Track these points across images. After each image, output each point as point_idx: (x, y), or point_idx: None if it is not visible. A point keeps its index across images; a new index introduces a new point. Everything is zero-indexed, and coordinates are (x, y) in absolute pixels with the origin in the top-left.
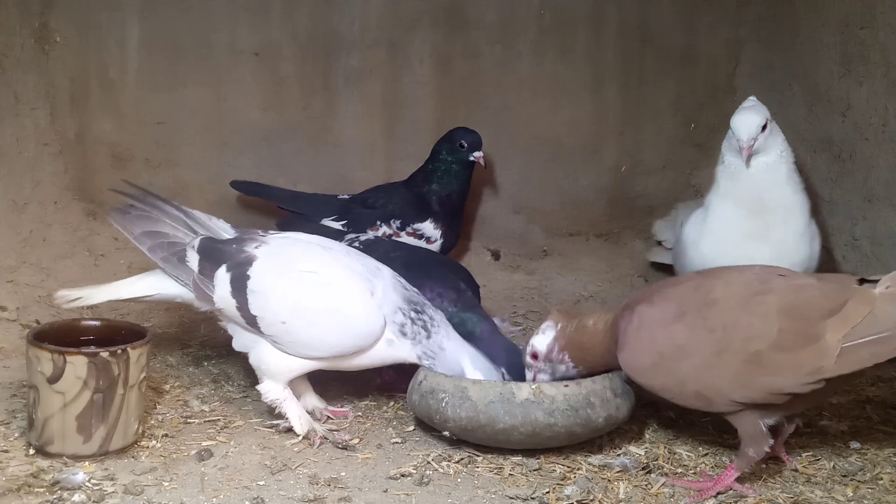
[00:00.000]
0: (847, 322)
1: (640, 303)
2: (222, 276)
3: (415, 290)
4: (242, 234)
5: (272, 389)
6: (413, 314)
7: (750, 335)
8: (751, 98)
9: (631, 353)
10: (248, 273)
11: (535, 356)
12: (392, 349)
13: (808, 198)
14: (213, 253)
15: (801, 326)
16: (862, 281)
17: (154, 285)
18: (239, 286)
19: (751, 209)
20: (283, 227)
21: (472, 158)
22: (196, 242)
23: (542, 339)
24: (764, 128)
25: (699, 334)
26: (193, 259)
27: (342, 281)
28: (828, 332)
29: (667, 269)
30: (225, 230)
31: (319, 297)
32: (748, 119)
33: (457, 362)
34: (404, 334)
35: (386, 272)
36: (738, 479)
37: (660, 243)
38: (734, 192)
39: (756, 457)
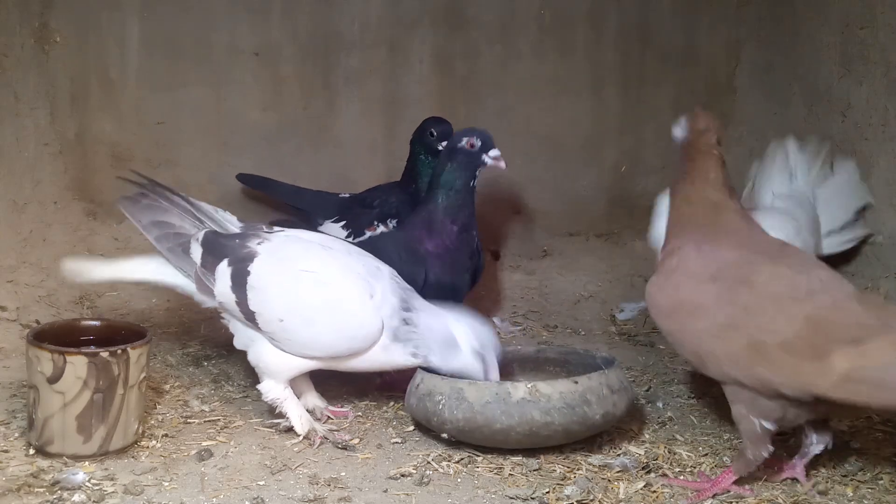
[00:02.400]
0: (862, 358)
1: (690, 241)
2: (223, 270)
3: (407, 284)
4: (247, 229)
5: (272, 388)
6: (405, 313)
7: (765, 326)
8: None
9: (656, 290)
10: (249, 269)
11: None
12: (387, 354)
13: None
14: (216, 247)
15: (816, 339)
16: None
17: (157, 271)
18: (239, 281)
19: None
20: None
21: (440, 148)
22: (200, 235)
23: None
24: None
25: (720, 305)
26: (197, 251)
27: (341, 281)
28: (838, 357)
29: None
30: (232, 223)
31: (317, 296)
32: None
33: (446, 330)
34: (397, 338)
35: (385, 272)
36: (737, 481)
37: None
38: None
39: (754, 460)
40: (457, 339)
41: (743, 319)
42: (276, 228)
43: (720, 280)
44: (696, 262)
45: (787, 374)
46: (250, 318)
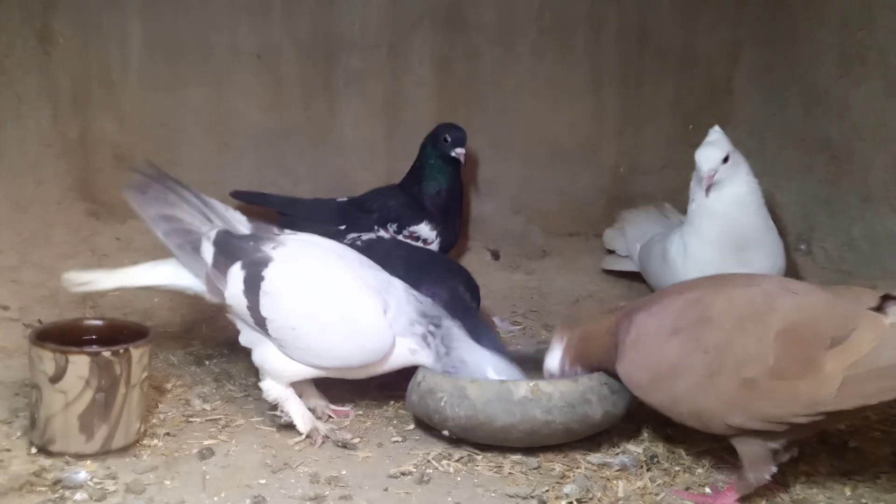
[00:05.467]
0: (851, 353)
1: (639, 311)
2: (236, 273)
3: (429, 300)
4: (258, 230)
5: (274, 388)
6: (432, 327)
7: (744, 359)
8: (714, 130)
9: (628, 368)
10: (263, 274)
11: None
12: (415, 357)
13: (776, 226)
14: (229, 248)
15: (800, 353)
16: (885, 297)
17: (167, 275)
18: (252, 286)
19: (728, 246)
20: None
21: (453, 154)
22: (213, 234)
23: (553, 359)
24: (726, 160)
25: (692, 354)
26: (208, 251)
27: (357, 294)
28: (829, 362)
29: (624, 276)
30: (241, 223)
31: (334, 308)
32: (708, 152)
33: (481, 373)
34: (428, 345)
35: (398, 286)
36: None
37: (611, 252)
38: (709, 230)
39: (756, 483)
40: (482, 350)
41: (720, 362)
42: (287, 231)
43: (682, 329)
44: (652, 323)
45: (787, 401)
46: (260, 323)
